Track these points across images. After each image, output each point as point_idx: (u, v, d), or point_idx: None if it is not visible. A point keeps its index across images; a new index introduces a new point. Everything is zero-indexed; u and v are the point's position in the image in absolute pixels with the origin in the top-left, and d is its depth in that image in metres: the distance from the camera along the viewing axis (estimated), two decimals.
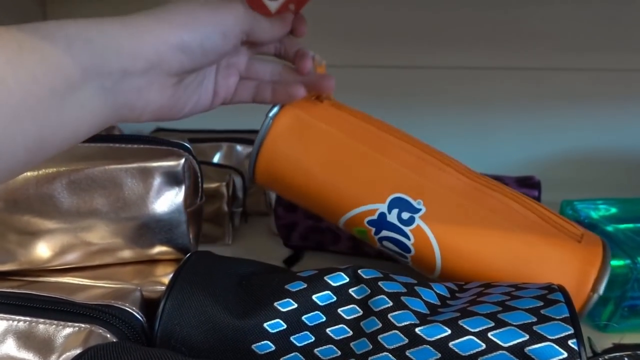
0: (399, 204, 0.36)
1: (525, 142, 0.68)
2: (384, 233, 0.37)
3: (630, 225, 0.42)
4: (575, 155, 0.68)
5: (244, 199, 0.56)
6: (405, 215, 0.36)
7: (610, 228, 0.41)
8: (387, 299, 0.29)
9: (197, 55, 0.29)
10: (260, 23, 0.33)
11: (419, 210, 0.36)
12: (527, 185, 0.48)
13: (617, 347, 0.36)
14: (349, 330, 0.30)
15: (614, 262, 0.37)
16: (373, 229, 0.37)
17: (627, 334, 0.39)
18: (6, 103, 0.21)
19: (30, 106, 0.22)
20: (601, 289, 0.34)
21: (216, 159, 0.61)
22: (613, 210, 0.44)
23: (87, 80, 0.24)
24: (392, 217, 0.36)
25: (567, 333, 0.25)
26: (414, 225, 0.36)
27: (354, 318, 0.30)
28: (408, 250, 0.37)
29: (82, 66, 0.24)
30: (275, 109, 0.38)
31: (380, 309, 0.29)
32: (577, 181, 0.62)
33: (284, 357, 0.29)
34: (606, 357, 0.35)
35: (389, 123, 0.40)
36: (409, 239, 0.36)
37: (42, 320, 0.31)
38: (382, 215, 0.36)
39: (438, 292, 0.31)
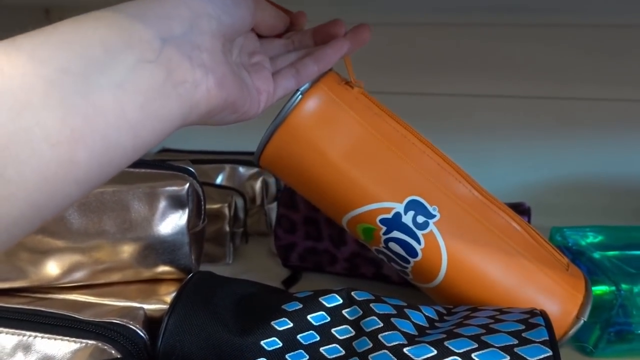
0: (416, 206, 0.36)
1: (516, 168, 0.70)
2: (395, 234, 0.36)
3: (616, 252, 0.43)
4: (565, 182, 0.69)
5: (244, 219, 0.58)
6: (420, 219, 0.36)
7: (596, 255, 0.43)
8: (377, 320, 0.31)
9: (228, 4, 0.28)
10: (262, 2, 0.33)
11: (434, 216, 0.36)
12: (518, 211, 0.49)
13: None
14: (341, 349, 0.31)
15: (600, 288, 0.39)
16: (384, 228, 0.36)
17: (615, 359, 0.40)
18: (8, 90, 0.19)
19: (42, 90, 0.20)
20: (586, 316, 0.36)
21: (219, 180, 0.62)
22: (600, 237, 0.45)
23: (115, 54, 0.22)
24: (407, 219, 0.36)
25: (546, 355, 0.27)
26: (427, 230, 0.36)
27: (347, 338, 0.31)
28: (415, 254, 0.37)
29: (100, 40, 0.22)
30: (306, 85, 0.35)
31: (371, 329, 0.30)
32: (567, 207, 0.63)
33: None
34: None
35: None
36: (419, 243, 0.36)
37: (50, 335, 0.33)
38: (398, 215, 0.36)
39: (427, 314, 0.33)
